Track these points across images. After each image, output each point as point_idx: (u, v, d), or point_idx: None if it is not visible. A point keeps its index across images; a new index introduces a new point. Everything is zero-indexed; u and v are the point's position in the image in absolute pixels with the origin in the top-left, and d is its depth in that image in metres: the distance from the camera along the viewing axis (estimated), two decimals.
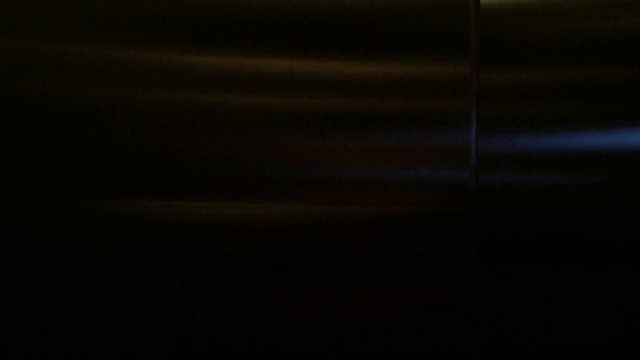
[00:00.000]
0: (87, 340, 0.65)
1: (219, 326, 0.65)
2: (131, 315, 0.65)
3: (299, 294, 0.65)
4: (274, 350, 0.65)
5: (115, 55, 0.64)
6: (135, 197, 0.64)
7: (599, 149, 0.63)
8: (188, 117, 0.64)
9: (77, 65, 0.64)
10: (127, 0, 0.65)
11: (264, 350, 0.65)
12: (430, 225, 0.64)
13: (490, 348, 0.65)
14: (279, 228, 0.64)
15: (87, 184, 0.64)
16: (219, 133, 0.64)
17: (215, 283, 0.64)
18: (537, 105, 0.64)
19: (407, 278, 0.64)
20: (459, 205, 0.63)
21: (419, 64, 0.64)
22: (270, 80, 0.64)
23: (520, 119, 0.64)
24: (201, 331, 0.65)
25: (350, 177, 0.64)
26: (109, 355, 0.65)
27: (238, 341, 0.65)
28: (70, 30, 0.64)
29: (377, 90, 0.64)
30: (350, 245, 0.64)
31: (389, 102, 0.64)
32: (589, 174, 0.63)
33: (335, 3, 0.65)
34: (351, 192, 0.64)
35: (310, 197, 0.64)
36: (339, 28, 0.64)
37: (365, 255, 0.64)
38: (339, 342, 0.65)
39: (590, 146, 0.63)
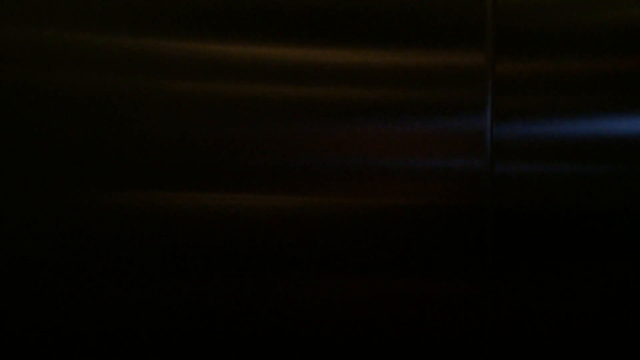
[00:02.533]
0: (97, 333, 0.64)
1: (231, 318, 0.64)
2: (140, 307, 0.64)
3: (312, 286, 0.64)
4: (287, 342, 0.64)
5: (124, 45, 0.64)
6: (149, 189, 0.64)
7: (616, 138, 0.62)
8: (202, 107, 0.64)
9: (86, 55, 0.64)
10: None
11: (277, 343, 0.64)
12: (445, 216, 0.63)
13: (502, 341, 0.64)
14: (294, 220, 0.63)
15: (94, 177, 0.63)
16: (233, 123, 0.64)
17: (231, 275, 0.64)
18: (553, 95, 0.63)
19: (421, 270, 0.63)
20: (473, 195, 0.62)
21: (435, 54, 0.64)
22: (287, 69, 0.64)
23: (536, 109, 0.63)
24: (209, 323, 0.64)
25: (364, 168, 0.63)
26: (118, 348, 0.64)
27: (248, 333, 0.64)
28: (77, 20, 0.65)
29: (393, 79, 0.63)
30: (363, 237, 0.63)
31: (404, 91, 0.63)
32: (605, 164, 0.63)
33: None
34: (365, 183, 0.63)
35: (323, 188, 0.63)
36: (355, 17, 0.64)
37: (378, 247, 0.63)
38: (351, 334, 0.64)
39: (607, 136, 0.62)
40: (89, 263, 0.63)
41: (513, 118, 0.63)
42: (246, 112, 0.63)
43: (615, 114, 0.63)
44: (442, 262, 0.63)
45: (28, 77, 0.64)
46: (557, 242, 0.63)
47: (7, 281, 0.63)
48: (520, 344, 0.64)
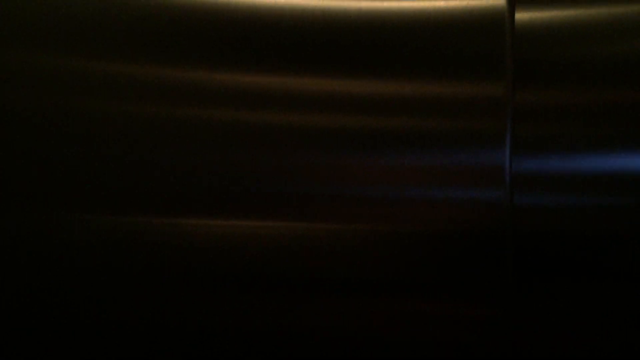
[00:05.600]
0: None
1: (237, 342, 0.65)
2: (142, 331, 0.65)
3: (332, 309, 0.65)
4: None
5: (131, 72, 0.64)
6: (169, 215, 0.64)
7: (635, 171, 0.63)
8: (222, 134, 0.64)
9: (91, 80, 0.64)
10: (143, 15, 0.65)
11: None
12: (465, 242, 0.63)
13: None
14: (312, 246, 0.64)
15: (98, 201, 0.63)
16: (255, 151, 0.64)
17: (245, 301, 0.64)
18: (573, 126, 0.64)
19: (441, 295, 0.64)
20: (492, 224, 0.63)
21: (453, 84, 0.64)
22: (303, 98, 0.64)
23: (556, 140, 0.64)
24: (212, 345, 0.65)
25: (383, 196, 0.63)
26: None
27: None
28: (76, 45, 0.64)
29: (411, 109, 0.64)
30: (384, 262, 0.64)
31: (423, 121, 0.64)
32: (624, 195, 0.63)
33: (369, 23, 0.65)
34: (385, 211, 0.64)
35: (344, 215, 0.64)
36: (373, 47, 0.65)
37: (402, 271, 0.64)
38: (372, 356, 0.65)
39: (625, 168, 0.63)
40: (93, 289, 0.64)
41: (533, 148, 0.64)
42: (267, 140, 0.64)
43: (637, 147, 0.63)
44: (464, 286, 0.64)
45: (37, 103, 0.63)
46: (576, 268, 0.64)
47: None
48: None
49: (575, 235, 0.64)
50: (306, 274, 0.64)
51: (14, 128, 0.63)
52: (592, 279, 0.64)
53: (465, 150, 0.63)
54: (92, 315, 0.64)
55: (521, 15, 0.66)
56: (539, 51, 0.65)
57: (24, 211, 0.63)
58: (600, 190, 0.63)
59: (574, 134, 0.64)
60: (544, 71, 0.64)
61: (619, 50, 0.64)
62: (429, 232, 0.63)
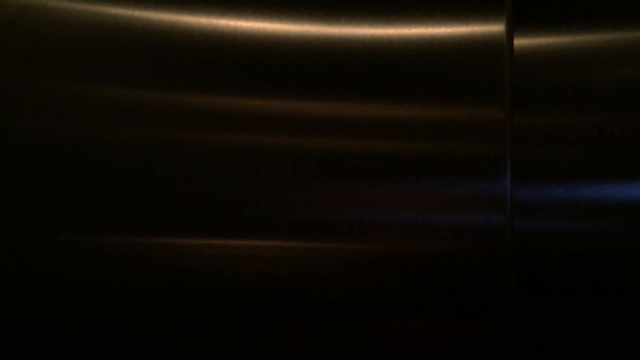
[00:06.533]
0: None
1: None
2: (147, 351, 0.66)
3: (334, 328, 0.65)
4: None
5: (140, 97, 0.64)
6: (166, 235, 0.64)
7: (634, 197, 0.63)
8: (220, 157, 0.64)
9: (96, 105, 0.64)
10: (159, 42, 0.66)
11: None
12: (467, 265, 0.64)
13: None
14: (316, 267, 0.64)
15: (108, 222, 0.63)
16: (251, 174, 0.63)
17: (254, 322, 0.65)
18: (572, 152, 0.64)
19: (444, 314, 0.64)
20: (493, 250, 0.63)
21: (452, 110, 0.64)
22: (304, 123, 0.64)
23: (555, 166, 0.64)
24: None
25: (387, 220, 0.64)
26: None
27: None
28: (81, 71, 0.65)
29: (411, 134, 0.64)
30: (390, 282, 0.64)
31: (422, 146, 0.64)
32: (624, 220, 0.64)
33: (370, 49, 0.65)
34: (388, 234, 0.64)
35: (346, 238, 0.64)
36: (372, 72, 0.65)
37: (405, 292, 0.64)
38: None
39: (624, 194, 0.64)
40: (105, 313, 0.65)
41: (533, 173, 0.64)
42: (268, 165, 0.64)
43: (636, 173, 0.64)
44: (467, 306, 0.64)
45: (46, 128, 0.64)
46: (577, 287, 0.65)
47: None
48: None
49: (579, 260, 0.64)
50: (308, 294, 0.64)
51: (24, 151, 0.64)
52: (591, 299, 0.65)
53: (466, 177, 0.63)
54: (96, 333, 0.65)
55: (520, 41, 0.66)
56: (537, 77, 0.65)
57: (30, 232, 0.64)
58: (599, 215, 0.63)
59: (573, 159, 0.64)
60: (542, 97, 0.64)
61: (617, 76, 0.64)
62: (431, 253, 0.64)
